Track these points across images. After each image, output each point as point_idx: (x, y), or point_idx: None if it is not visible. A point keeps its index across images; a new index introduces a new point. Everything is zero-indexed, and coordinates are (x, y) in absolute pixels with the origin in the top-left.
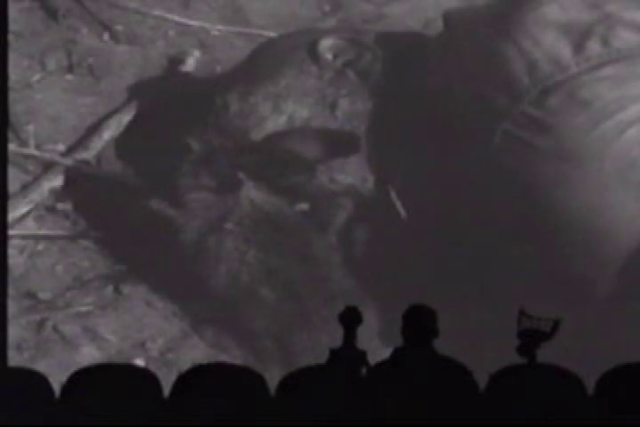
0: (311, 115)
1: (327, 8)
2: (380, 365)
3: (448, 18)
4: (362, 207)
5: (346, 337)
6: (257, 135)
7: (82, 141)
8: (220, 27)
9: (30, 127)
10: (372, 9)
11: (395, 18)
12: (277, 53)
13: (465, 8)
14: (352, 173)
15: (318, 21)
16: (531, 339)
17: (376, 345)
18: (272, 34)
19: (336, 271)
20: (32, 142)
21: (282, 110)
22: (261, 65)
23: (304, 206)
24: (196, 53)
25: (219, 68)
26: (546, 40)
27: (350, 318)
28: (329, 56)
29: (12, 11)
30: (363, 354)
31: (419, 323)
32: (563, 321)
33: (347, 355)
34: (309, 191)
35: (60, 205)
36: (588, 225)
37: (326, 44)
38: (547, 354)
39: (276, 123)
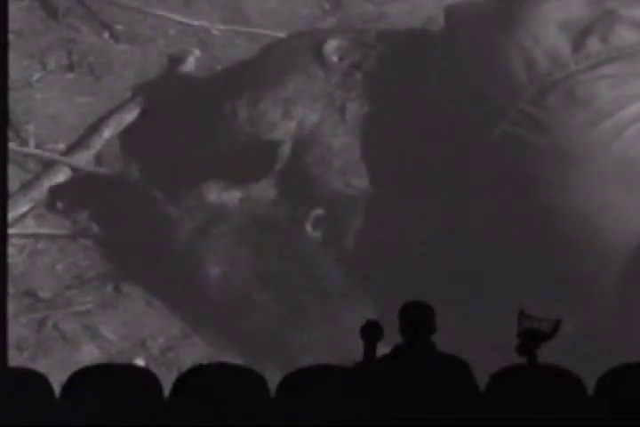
0: (321, 119)
1: (327, 7)
2: (380, 361)
3: (449, 14)
4: (377, 210)
5: (366, 352)
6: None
7: (82, 140)
8: (220, 26)
9: (30, 126)
10: (372, 8)
11: (395, 16)
12: (283, 57)
13: (466, 4)
14: (366, 177)
15: (318, 20)
16: (531, 339)
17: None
18: (272, 33)
19: (335, 271)
20: (32, 141)
21: (292, 116)
22: (268, 69)
23: (319, 212)
24: (197, 52)
25: (219, 67)
26: (546, 38)
27: (372, 333)
28: (335, 58)
29: (13, 10)
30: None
31: (414, 319)
32: (563, 321)
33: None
34: (325, 196)
35: (60, 204)
36: (586, 224)
37: (331, 47)
38: (547, 354)
39: (286, 128)
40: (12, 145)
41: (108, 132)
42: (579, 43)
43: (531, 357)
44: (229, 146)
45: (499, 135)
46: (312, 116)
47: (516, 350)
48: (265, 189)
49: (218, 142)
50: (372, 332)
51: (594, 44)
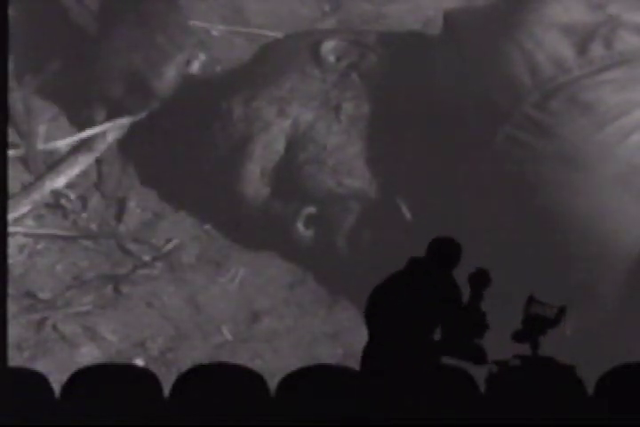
0: (316, 118)
1: (327, 8)
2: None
3: (449, 18)
4: (369, 210)
5: (472, 298)
6: (262, 139)
7: (85, 142)
8: (219, 26)
9: (33, 127)
10: (371, 9)
11: (394, 17)
12: (280, 56)
13: (466, 8)
14: (359, 177)
15: (318, 21)
16: (533, 325)
17: None
18: (272, 33)
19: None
20: (35, 141)
21: (287, 114)
22: (264, 68)
23: (311, 210)
24: (202, 56)
25: (219, 68)
26: (548, 41)
27: (478, 280)
28: (332, 59)
29: (13, 10)
30: (484, 316)
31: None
32: (567, 308)
33: (471, 314)
34: (317, 195)
35: (60, 204)
36: (588, 229)
37: (329, 47)
38: (547, 354)
39: (281, 127)
40: (13, 145)
41: (112, 135)
42: (582, 47)
43: (532, 344)
44: (225, 144)
45: (501, 138)
46: (307, 115)
47: (515, 335)
48: (257, 187)
49: (214, 142)
50: (478, 278)
51: (597, 49)
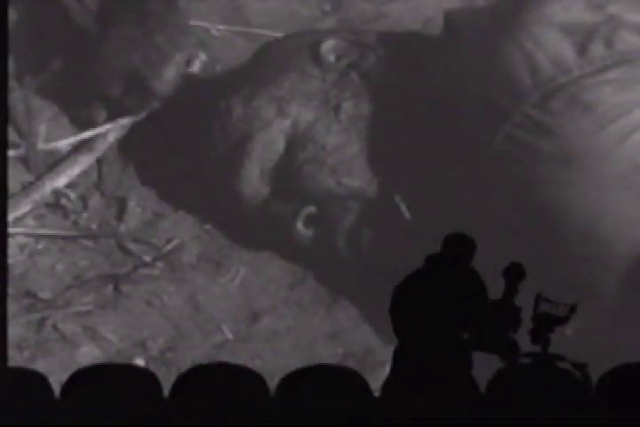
0: (316, 118)
1: (327, 7)
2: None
3: (449, 18)
4: (369, 210)
5: (507, 292)
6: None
7: (85, 142)
8: (219, 26)
9: (33, 127)
10: (371, 8)
11: (394, 17)
12: (280, 56)
13: (466, 8)
14: (359, 177)
15: (318, 21)
16: (543, 324)
17: (376, 344)
18: (272, 33)
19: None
20: (35, 141)
21: (286, 114)
22: (264, 68)
23: (311, 209)
24: (202, 56)
25: (219, 68)
26: (548, 41)
27: (513, 273)
28: (332, 58)
29: (13, 10)
30: (518, 310)
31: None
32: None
33: (505, 309)
34: (316, 195)
35: (60, 204)
36: (589, 230)
37: (328, 46)
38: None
39: (280, 126)
40: (13, 145)
41: (111, 136)
42: (582, 47)
43: (543, 342)
44: (224, 144)
45: (501, 138)
46: (306, 115)
47: (529, 333)
48: (257, 187)
49: (214, 141)
50: (512, 271)
51: (598, 49)
